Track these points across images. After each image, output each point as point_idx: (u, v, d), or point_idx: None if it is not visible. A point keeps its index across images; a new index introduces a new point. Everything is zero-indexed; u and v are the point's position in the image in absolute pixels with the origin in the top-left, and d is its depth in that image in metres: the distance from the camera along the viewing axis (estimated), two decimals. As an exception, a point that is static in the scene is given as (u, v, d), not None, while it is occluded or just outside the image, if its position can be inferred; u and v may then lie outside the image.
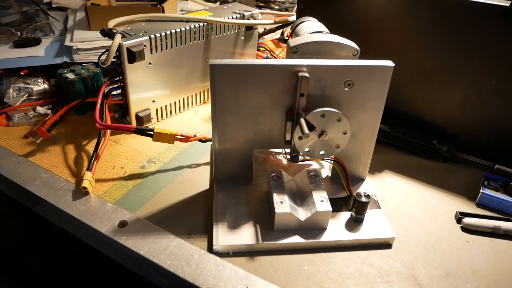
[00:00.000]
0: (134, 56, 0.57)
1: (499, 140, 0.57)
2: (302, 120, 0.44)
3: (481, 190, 0.52)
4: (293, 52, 0.46)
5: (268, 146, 0.50)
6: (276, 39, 0.95)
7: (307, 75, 0.43)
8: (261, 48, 0.88)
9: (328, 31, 0.50)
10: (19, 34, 0.81)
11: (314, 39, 0.45)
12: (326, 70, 0.44)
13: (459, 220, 0.49)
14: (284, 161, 0.57)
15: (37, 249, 1.21)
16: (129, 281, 1.12)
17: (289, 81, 0.44)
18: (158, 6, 0.78)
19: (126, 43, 0.56)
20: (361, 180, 0.54)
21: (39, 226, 1.20)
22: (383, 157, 0.60)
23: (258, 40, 0.86)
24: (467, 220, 0.48)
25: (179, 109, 0.69)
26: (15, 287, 1.13)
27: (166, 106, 0.66)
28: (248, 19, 0.71)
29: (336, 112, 0.44)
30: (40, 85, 0.70)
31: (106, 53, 0.56)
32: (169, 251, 0.44)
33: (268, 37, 0.94)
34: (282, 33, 0.92)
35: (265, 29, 0.84)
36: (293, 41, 0.46)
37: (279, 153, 0.58)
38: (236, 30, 0.71)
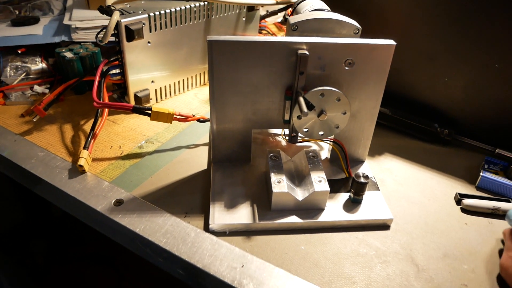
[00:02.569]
0: (132, 34, 0.56)
1: (501, 124, 0.56)
2: (301, 99, 0.43)
3: (481, 173, 0.51)
4: (293, 29, 0.45)
5: (267, 126, 0.49)
6: (279, 22, 0.94)
7: (307, 52, 0.42)
8: (263, 31, 0.87)
9: (330, 9, 0.49)
10: (17, 12, 0.80)
11: (314, 17, 0.44)
12: (326, 48, 0.43)
13: (458, 202, 0.49)
14: (283, 143, 0.56)
15: (38, 233, 1.21)
16: (131, 266, 1.12)
17: (289, 59, 0.44)
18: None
19: (125, 21, 0.55)
20: (361, 162, 0.53)
21: (41, 210, 1.20)
22: (384, 140, 0.60)
23: (260, 23, 0.85)
24: (466, 201, 0.48)
25: (179, 90, 0.68)
26: (16, 270, 1.14)
27: (165, 86, 0.66)
28: (250, -1, 0.70)
29: (336, 91, 0.43)
30: (38, 64, 0.69)
31: (104, 30, 0.55)
32: (165, 230, 0.44)
33: (270, 20, 0.93)
34: (284, 16, 0.90)
35: (267, 11, 0.82)
36: (293, 19, 0.45)
37: (278, 135, 0.57)
38: (237, 11, 0.70)
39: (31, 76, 0.69)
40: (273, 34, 0.86)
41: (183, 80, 0.68)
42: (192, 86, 0.70)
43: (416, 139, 0.61)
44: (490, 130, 0.57)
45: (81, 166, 0.50)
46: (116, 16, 0.55)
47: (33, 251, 1.18)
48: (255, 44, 0.43)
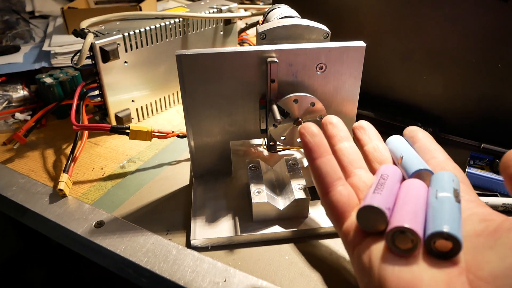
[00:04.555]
0: (107, 55, 0.56)
1: (484, 119, 0.56)
2: (274, 107, 0.43)
3: (466, 170, 0.51)
4: (261, 38, 0.45)
5: (245, 136, 0.49)
6: (260, 33, 0.94)
7: (276, 60, 0.42)
8: (244, 44, 0.87)
9: (299, 16, 0.49)
10: (-2, 42, 0.81)
11: (282, 24, 0.44)
12: (296, 54, 0.43)
13: (444, 201, 0.48)
14: (265, 153, 0.56)
15: (35, 262, 1.20)
16: (128, 288, 1.11)
17: (259, 67, 0.43)
18: (137, 6, 0.77)
19: (99, 42, 0.55)
20: (344, 166, 0.53)
21: (37, 238, 1.19)
22: (368, 143, 0.59)
23: (241, 36, 0.85)
24: (452, 200, 0.47)
25: (160, 108, 0.68)
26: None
27: (146, 105, 0.65)
28: (226, 13, 0.70)
29: (309, 96, 0.43)
30: (20, 92, 0.69)
31: (79, 54, 0.55)
32: (146, 249, 0.43)
33: (251, 33, 0.93)
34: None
35: (246, 23, 0.83)
36: (261, 27, 0.45)
37: (260, 145, 0.57)
38: (214, 25, 0.70)
39: (13, 104, 0.69)
40: (255, 46, 0.86)
41: (164, 97, 0.68)
42: (174, 103, 0.70)
43: (401, 140, 0.60)
44: (474, 125, 0.57)
45: (61, 190, 0.49)
46: (90, 38, 0.55)
47: (31, 280, 1.17)
48: (224, 55, 0.42)
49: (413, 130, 0.41)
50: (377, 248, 0.29)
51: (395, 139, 0.41)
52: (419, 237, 0.26)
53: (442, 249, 0.26)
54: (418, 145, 0.39)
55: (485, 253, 0.25)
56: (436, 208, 0.28)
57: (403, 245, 0.27)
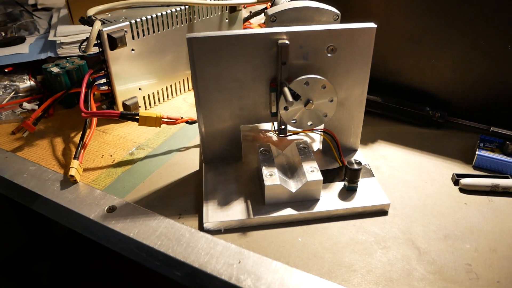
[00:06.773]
0: (115, 42, 0.56)
1: (493, 102, 0.56)
2: (286, 89, 0.42)
3: (477, 152, 0.51)
4: (272, 21, 0.44)
5: (255, 120, 0.48)
6: (263, 23, 0.94)
7: (287, 42, 0.42)
8: (249, 33, 0.86)
9: (308, -1, 0.49)
10: (3, 34, 0.80)
11: (292, 6, 0.44)
12: (307, 36, 0.43)
13: (456, 182, 0.48)
14: (274, 138, 0.56)
15: (41, 254, 1.20)
16: (135, 281, 1.11)
17: (270, 50, 0.43)
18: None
19: (106, 29, 0.55)
20: (354, 150, 0.53)
21: (43, 231, 1.19)
22: (377, 128, 0.59)
23: (245, 25, 0.85)
24: (464, 181, 0.47)
25: (167, 96, 0.68)
26: (21, 293, 1.13)
27: (153, 93, 0.65)
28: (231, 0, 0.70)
29: (320, 78, 0.43)
30: (26, 82, 0.69)
31: (87, 41, 0.55)
32: (159, 232, 0.43)
33: (255, 22, 0.93)
34: (264, 10, 0.90)
35: (250, 12, 0.82)
36: (271, 10, 0.45)
37: (268, 131, 0.57)
38: (219, 13, 0.70)
39: (20, 94, 0.69)
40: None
41: (171, 85, 0.67)
42: (180, 91, 0.70)
43: (409, 124, 0.60)
44: (483, 109, 0.57)
45: (72, 176, 0.49)
46: (97, 25, 0.55)
47: (37, 272, 1.17)
48: (235, 38, 0.42)
49: None
50: None
51: None
52: None
53: None
54: None
55: None
56: None
57: None
